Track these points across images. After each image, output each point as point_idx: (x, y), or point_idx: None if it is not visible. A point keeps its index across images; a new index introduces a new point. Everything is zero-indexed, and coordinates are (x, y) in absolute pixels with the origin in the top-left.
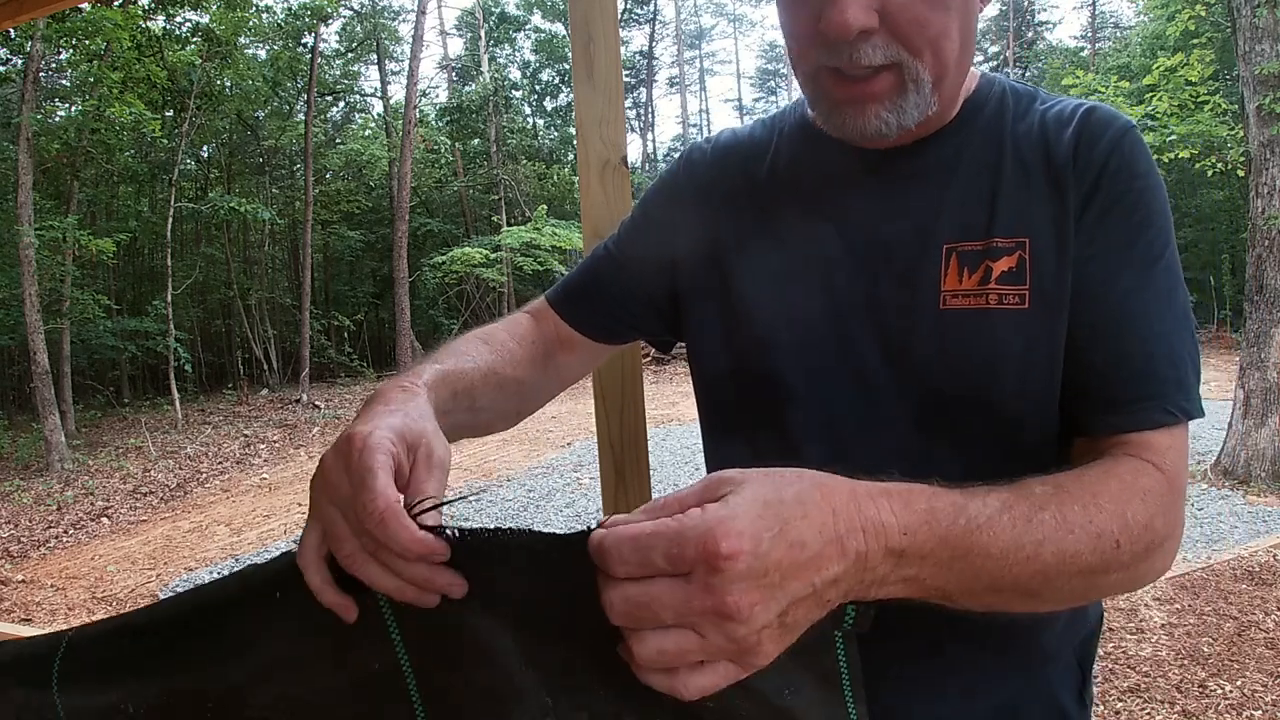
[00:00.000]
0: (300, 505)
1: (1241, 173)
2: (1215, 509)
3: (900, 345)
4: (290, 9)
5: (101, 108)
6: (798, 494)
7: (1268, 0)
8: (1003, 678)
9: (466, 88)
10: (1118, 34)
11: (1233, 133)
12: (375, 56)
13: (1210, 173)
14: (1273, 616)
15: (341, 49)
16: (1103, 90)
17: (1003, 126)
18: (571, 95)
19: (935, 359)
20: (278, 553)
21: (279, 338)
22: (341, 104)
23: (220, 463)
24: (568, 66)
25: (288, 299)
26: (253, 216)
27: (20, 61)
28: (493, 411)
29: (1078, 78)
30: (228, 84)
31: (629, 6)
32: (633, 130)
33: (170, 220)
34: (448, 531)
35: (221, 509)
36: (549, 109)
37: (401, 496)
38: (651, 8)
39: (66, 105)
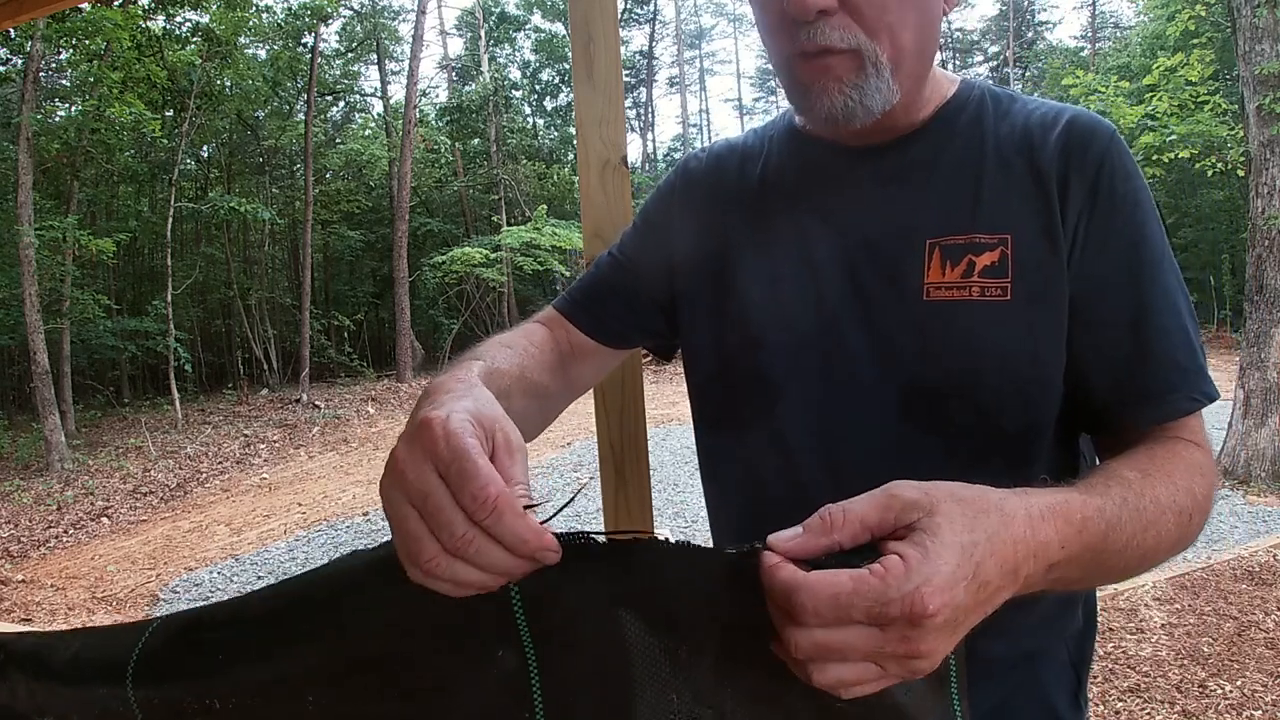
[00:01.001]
0: (300, 505)
1: (1241, 173)
2: (1215, 509)
3: (884, 338)
4: (290, 9)
5: (101, 108)
6: (988, 534)
7: (1268, 0)
8: (989, 674)
9: (466, 88)
10: (1118, 34)
11: (1233, 133)
12: (375, 56)
13: (1210, 173)
14: (1273, 616)
15: (341, 49)
16: (1103, 90)
17: (984, 127)
18: (571, 95)
19: (918, 350)
20: (379, 542)
21: (279, 338)
22: (341, 104)
23: (220, 463)
24: (568, 66)
25: (288, 299)
26: (253, 216)
27: (20, 61)
28: (523, 417)
29: (1078, 78)
30: (228, 84)
31: (629, 6)
32: (633, 130)
33: (170, 220)
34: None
35: (221, 509)
36: (549, 109)
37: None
38: (651, 8)
39: (66, 105)
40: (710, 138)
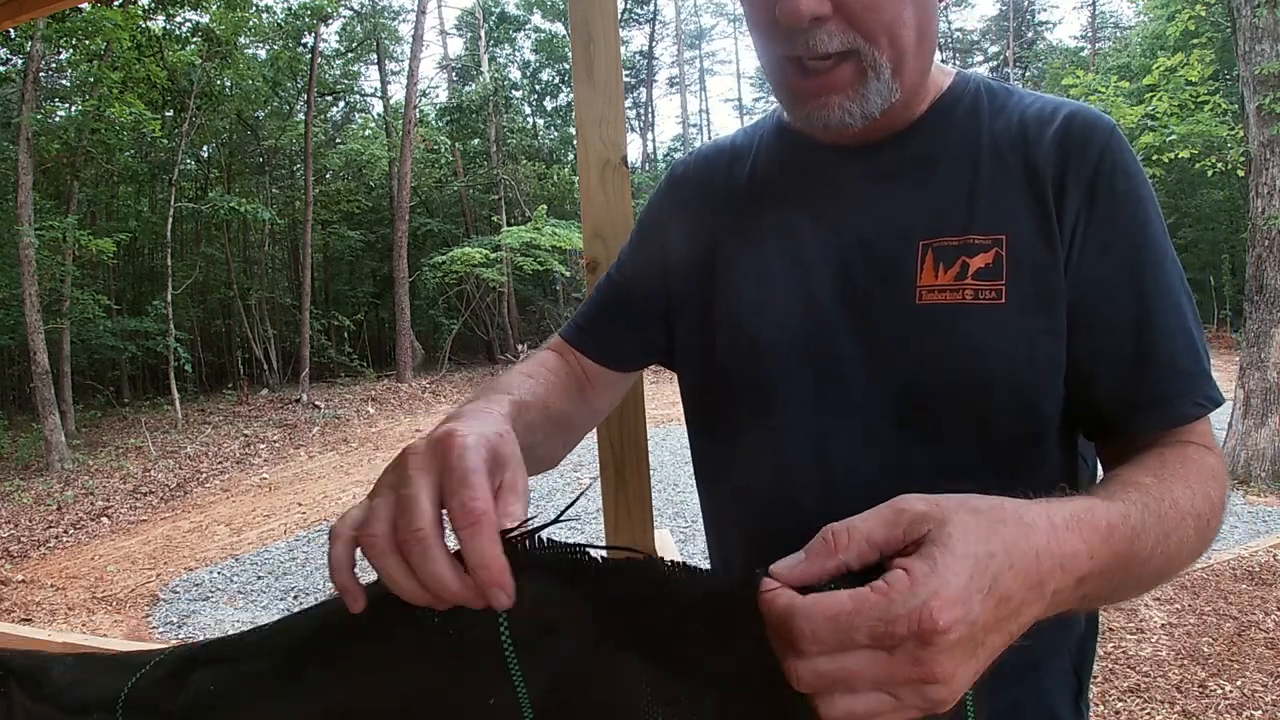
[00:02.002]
0: (300, 505)
1: (1241, 173)
2: None
3: (876, 341)
4: (290, 9)
5: (101, 108)
6: (1005, 545)
7: (1268, 0)
8: (993, 684)
9: (466, 88)
10: (1118, 34)
11: (1233, 133)
12: (375, 56)
13: (1210, 173)
14: (1273, 616)
15: (341, 49)
16: (1103, 90)
17: (979, 123)
18: (571, 95)
19: (910, 354)
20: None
21: (279, 338)
22: (341, 104)
23: (220, 462)
24: (568, 66)
25: (288, 299)
26: (253, 216)
27: (20, 61)
28: (546, 448)
29: (1078, 78)
30: (228, 84)
31: (629, 6)
32: (633, 130)
33: (170, 220)
34: (545, 545)
35: (221, 509)
36: (549, 109)
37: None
38: (651, 8)
39: (66, 105)
40: (710, 138)
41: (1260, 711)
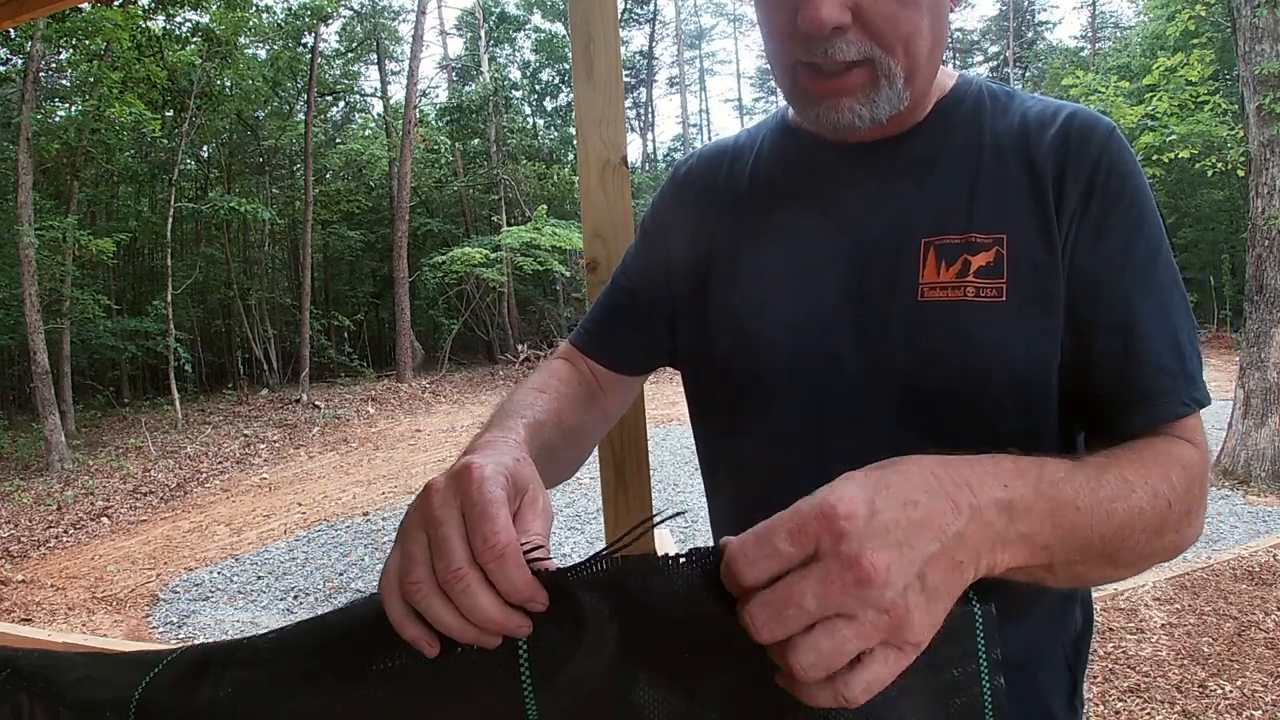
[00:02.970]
0: (300, 505)
1: (1241, 173)
2: (1215, 509)
3: (878, 338)
4: (290, 9)
5: (101, 108)
6: (895, 466)
7: (1268, 0)
8: None
9: (466, 88)
10: (1118, 34)
11: (1233, 133)
12: (375, 56)
13: (1210, 173)
14: (1273, 616)
15: (341, 49)
16: (1103, 90)
17: (981, 123)
18: (571, 95)
19: (912, 351)
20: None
21: (279, 338)
22: (341, 104)
23: (220, 463)
24: (568, 66)
25: (288, 299)
26: (253, 216)
27: (20, 61)
28: (564, 462)
29: (1078, 78)
30: (228, 84)
31: (629, 6)
32: (633, 130)
33: (170, 220)
34: (558, 570)
35: (221, 509)
36: (549, 109)
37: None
38: (651, 8)
39: (66, 105)
40: (710, 138)
41: (1260, 711)
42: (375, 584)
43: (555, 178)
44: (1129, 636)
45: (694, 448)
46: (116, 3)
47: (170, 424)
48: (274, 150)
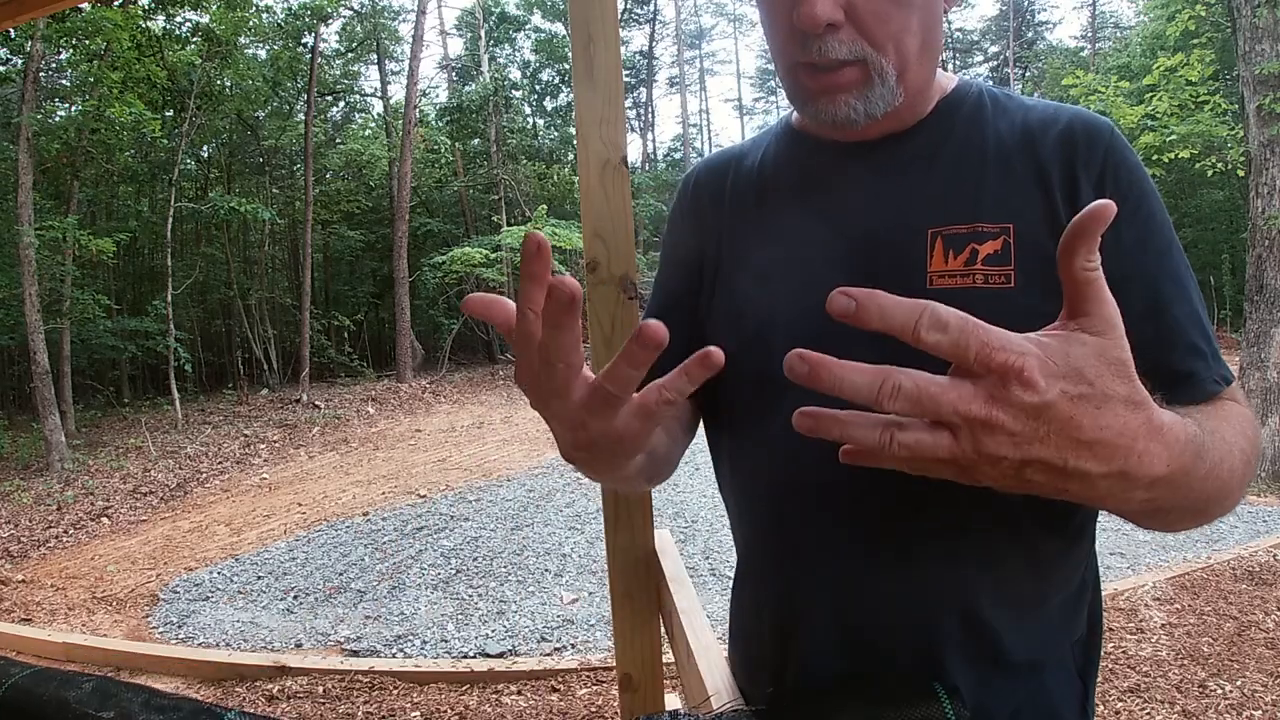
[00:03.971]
0: (300, 505)
1: (1241, 173)
2: None
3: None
4: (290, 9)
5: (101, 108)
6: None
7: (1268, 0)
8: (1000, 681)
9: (466, 88)
10: (1118, 34)
11: (1233, 133)
12: (375, 56)
13: (1210, 173)
14: (1273, 616)
15: (341, 49)
16: (1103, 90)
17: (983, 122)
18: (571, 95)
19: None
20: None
21: (279, 338)
22: (341, 104)
23: (220, 462)
24: (568, 66)
25: (288, 299)
26: (253, 216)
27: (20, 61)
28: (666, 461)
29: (1078, 78)
30: (228, 84)
31: (629, 6)
32: (633, 130)
33: (170, 220)
34: None
35: (221, 509)
36: (549, 109)
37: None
38: (651, 8)
39: (66, 105)
40: (710, 138)
41: (1260, 711)
42: (375, 584)
43: (555, 178)
44: (1129, 636)
45: (694, 447)
46: (116, 3)
47: (170, 424)
48: (274, 150)
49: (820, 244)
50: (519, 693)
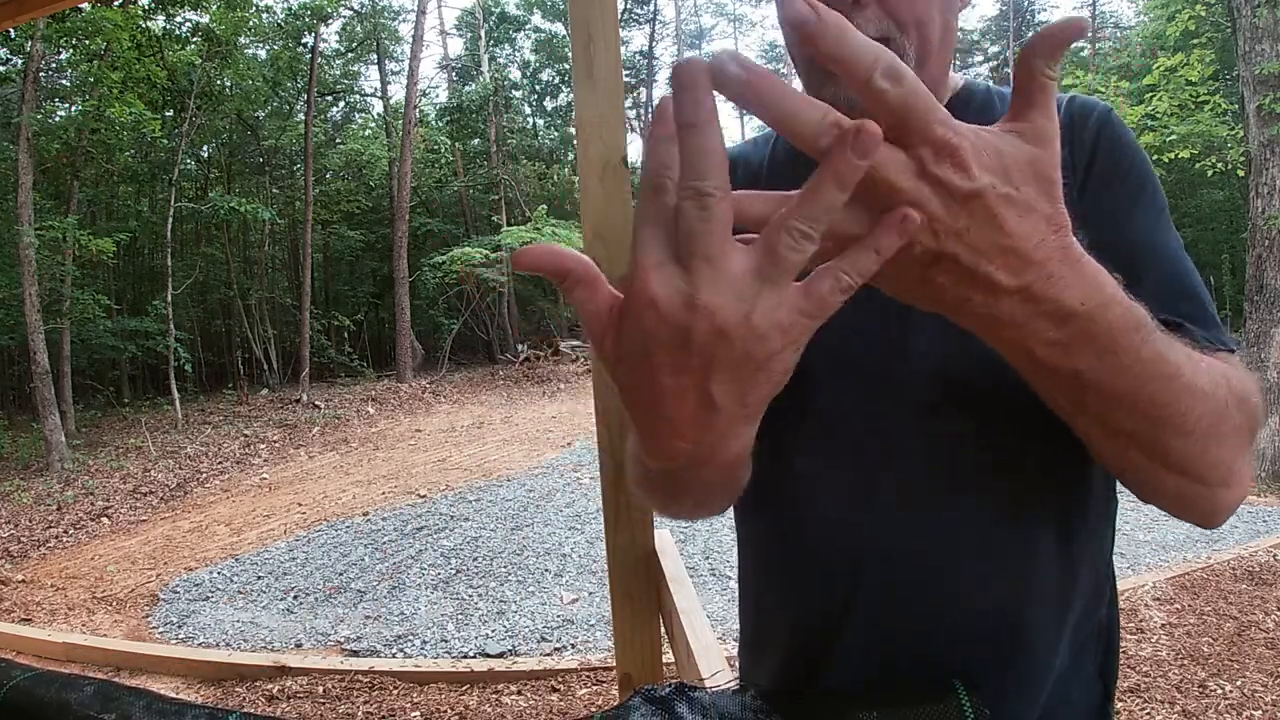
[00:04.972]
0: (300, 505)
1: (1241, 173)
2: None
3: (903, 325)
4: (290, 9)
5: (101, 108)
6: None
7: (1268, 0)
8: (1027, 693)
9: (466, 88)
10: (1118, 34)
11: (1233, 133)
12: (375, 56)
13: (1210, 173)
14: (1273, 616)
15: (341, 49)
16: (1103, 90)
17: (992, 118)
18: (571, 95)
19: (939, 335)
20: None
21: (279, 338)
22: (341, 104)
23: (220, 462)
24: (568, 66)
25: (288, 299)
26: (253, 216)
27: (20, 61)
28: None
29: (1078, 78)
30: (228, 84)
31: (629, 6)
32: (633, 130)
33: (170, 220)
34: None
35: (221, 509)
36: (549, 109)
37: None
38: (651, 8)
39: (66, 105)
40: None
41: (1260, 711)
42: (375, 584)
43: (555, 178)
44: (1129, 636)
45: None
46: (116, 3)
47: (170, 424)
48: (274, 150)
49: None
50: (519, 693)
